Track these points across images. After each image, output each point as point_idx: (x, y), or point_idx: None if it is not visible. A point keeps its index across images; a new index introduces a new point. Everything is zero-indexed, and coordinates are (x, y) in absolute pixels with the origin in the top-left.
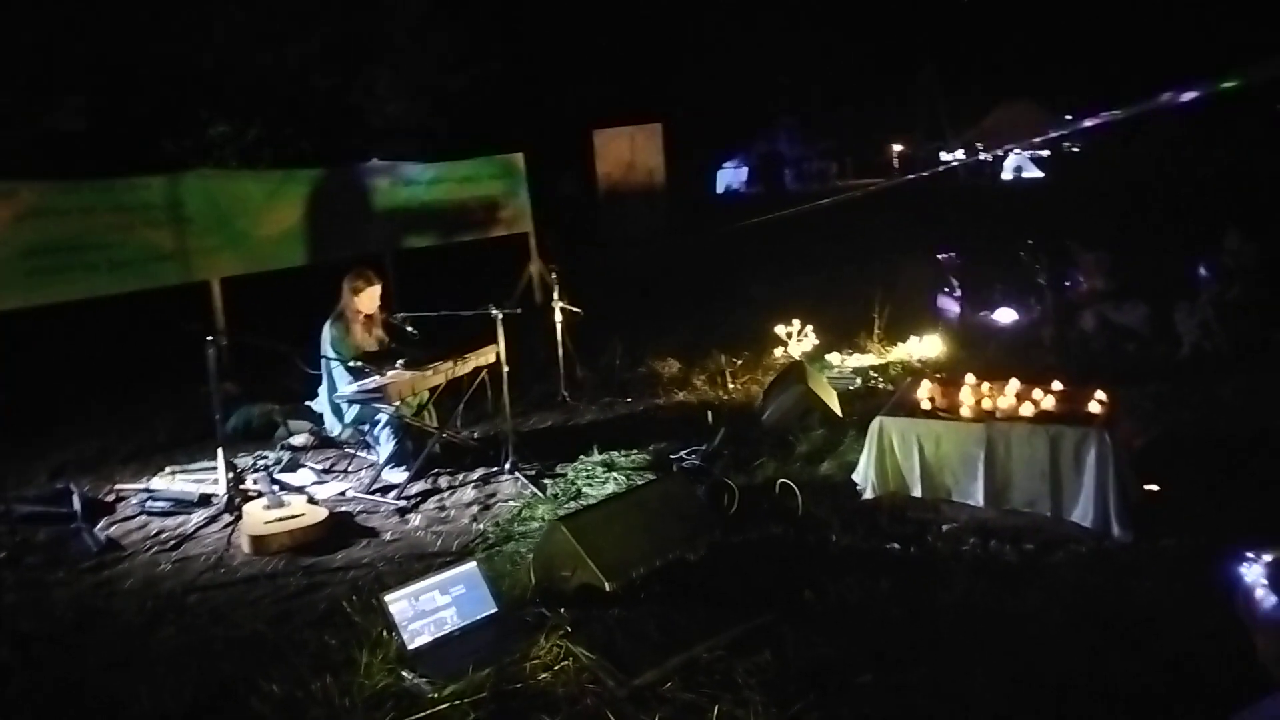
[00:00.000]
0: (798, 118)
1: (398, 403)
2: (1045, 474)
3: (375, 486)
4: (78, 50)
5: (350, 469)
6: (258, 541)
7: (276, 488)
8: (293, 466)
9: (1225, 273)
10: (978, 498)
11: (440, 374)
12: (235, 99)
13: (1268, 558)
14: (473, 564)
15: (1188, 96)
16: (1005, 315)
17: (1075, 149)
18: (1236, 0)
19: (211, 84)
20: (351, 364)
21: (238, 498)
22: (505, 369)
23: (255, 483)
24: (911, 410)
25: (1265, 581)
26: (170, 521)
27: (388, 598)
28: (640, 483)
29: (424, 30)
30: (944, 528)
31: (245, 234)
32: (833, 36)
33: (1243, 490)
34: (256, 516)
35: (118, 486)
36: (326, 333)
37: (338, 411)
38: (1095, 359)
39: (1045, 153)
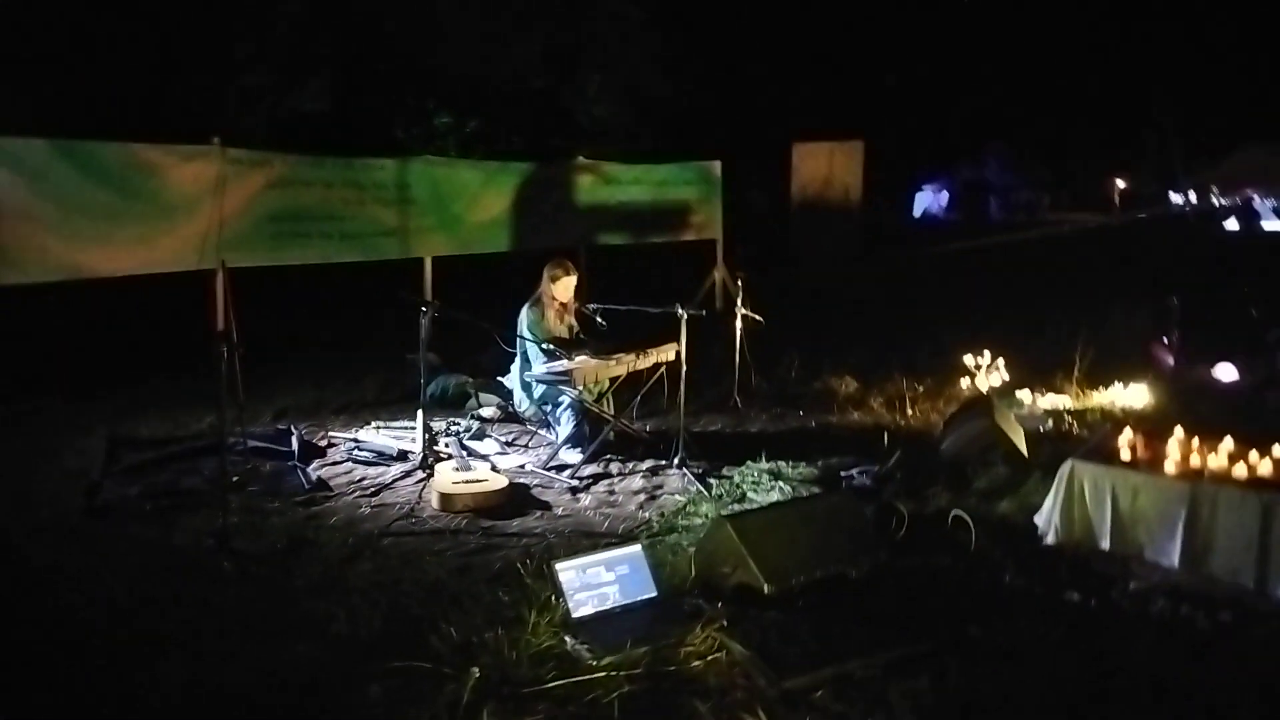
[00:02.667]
0: (1008, 144)
1: (582, 387)
2: (1253, 543)
3: (551, 464)
4: (323, 36)
5: (530, 444)
6: (445, 499)
7: (465, 453)
8: (480, 436)
9: None
10: (1173, 559)
11: (623, 365)
12: (458, 93)
13: None
14: (638, 547)
15: None
16: (1226, 373)
17: None
18: None
19: (438, 77)
20: (545, 346)
21: (431, 457)
22: (684, 368)
23: (447, 446)
24: (1109, 458)
25: None
26: (372, 470)
27: (558, 565)
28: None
29: (635, 35)
30: (1131, 585)
31: (458, 218)
32: (1058, 57)
33: None
34: (446, 476)
35: (330, 434)
36: (524, 315)
37: (527, 389)
38: None
39: None
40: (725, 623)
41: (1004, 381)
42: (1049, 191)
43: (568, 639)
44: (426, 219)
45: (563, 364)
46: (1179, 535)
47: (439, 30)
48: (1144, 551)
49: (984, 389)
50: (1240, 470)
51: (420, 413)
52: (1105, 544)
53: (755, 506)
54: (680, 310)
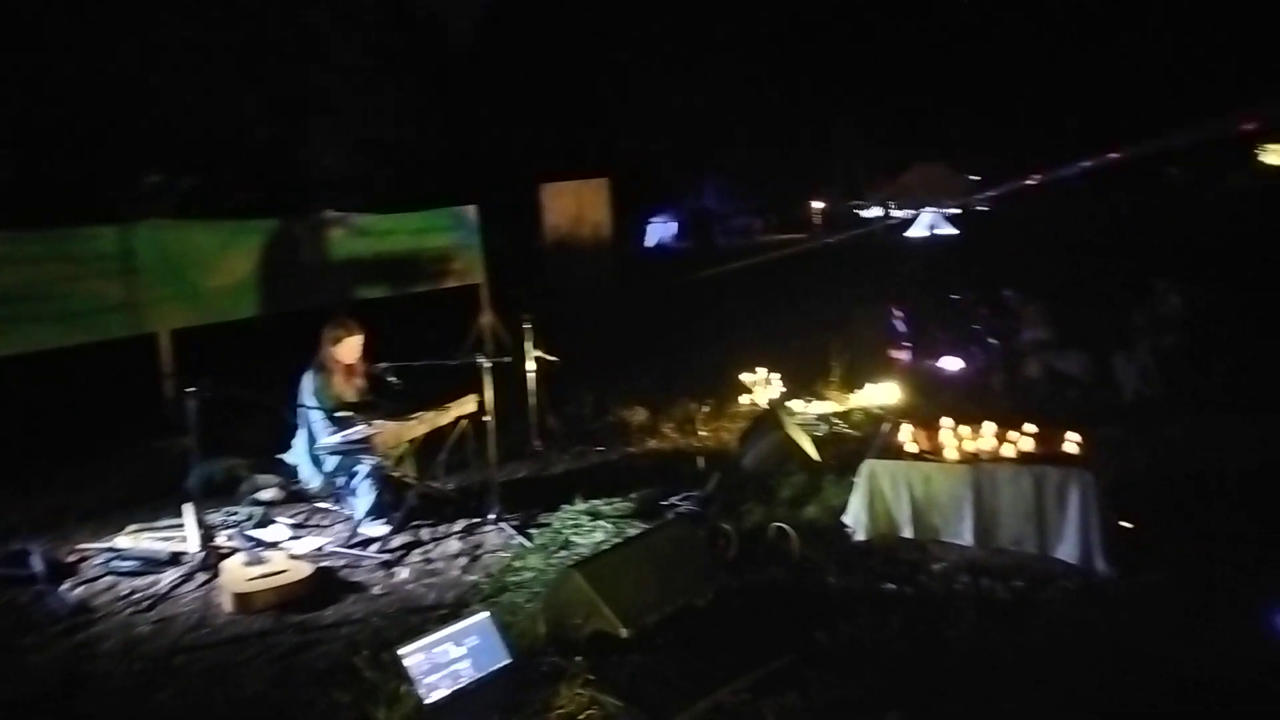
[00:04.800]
0: (724, 174)
1: (384, 454)
2: (1031, 513)
3: (355, 540)
4: (3, 96)
5: (325, 523)
6: (242, 599)
7: (253, 544)
8: (265, 522)
9: (1159, 322)
10: (966, 537)
11: (424, 424)
12: (170, 148)
13: None
14: (485, 615)
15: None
16: (951, 364)
17: (984, 207)
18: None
19: (145, 133)
20: (337, 414)
21: (212, 555)
22: (489, 418)
23: (229, 539)
24: (898, 453)
25: None
26: (140, 581)
27: (402, 651)
28: (631, 531)
29: (365, 84)
30: (935, 567)
31: (196, 285)
32: (756, 88)
33: (1208, 526)
34: (238, 574)
35: (79, 546)
36: (307, 383)
37: (317, 462)
38: (1041, 405)
39: (957, 211)
40: (590, 676)
41: (781, 394)
42: (760, 216)
43: None
44: (159, 289)
45: (360, 430)
46: (968, 514)
47: (141, 84)
48: (940, 534)
49: (764, 403)
50: (1008, 449)
51: (190, 506)
52: (908, 532)
53: (600, 550)
54: (483, 359)
